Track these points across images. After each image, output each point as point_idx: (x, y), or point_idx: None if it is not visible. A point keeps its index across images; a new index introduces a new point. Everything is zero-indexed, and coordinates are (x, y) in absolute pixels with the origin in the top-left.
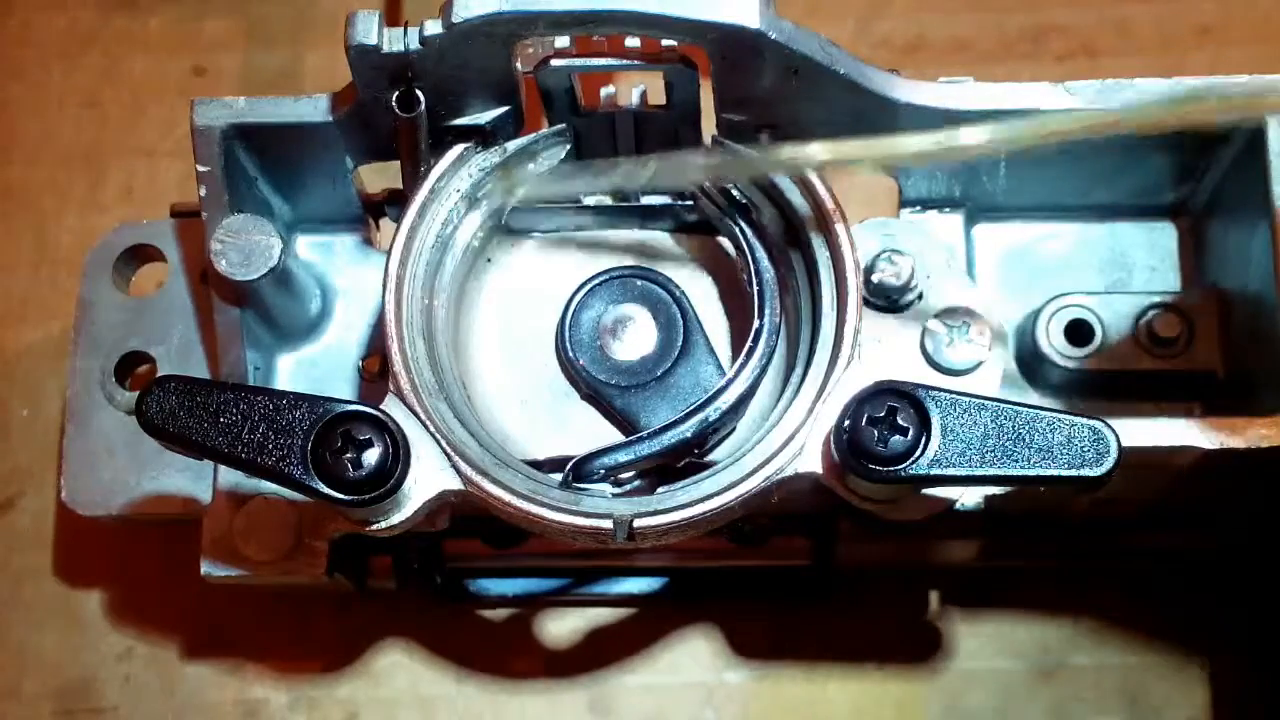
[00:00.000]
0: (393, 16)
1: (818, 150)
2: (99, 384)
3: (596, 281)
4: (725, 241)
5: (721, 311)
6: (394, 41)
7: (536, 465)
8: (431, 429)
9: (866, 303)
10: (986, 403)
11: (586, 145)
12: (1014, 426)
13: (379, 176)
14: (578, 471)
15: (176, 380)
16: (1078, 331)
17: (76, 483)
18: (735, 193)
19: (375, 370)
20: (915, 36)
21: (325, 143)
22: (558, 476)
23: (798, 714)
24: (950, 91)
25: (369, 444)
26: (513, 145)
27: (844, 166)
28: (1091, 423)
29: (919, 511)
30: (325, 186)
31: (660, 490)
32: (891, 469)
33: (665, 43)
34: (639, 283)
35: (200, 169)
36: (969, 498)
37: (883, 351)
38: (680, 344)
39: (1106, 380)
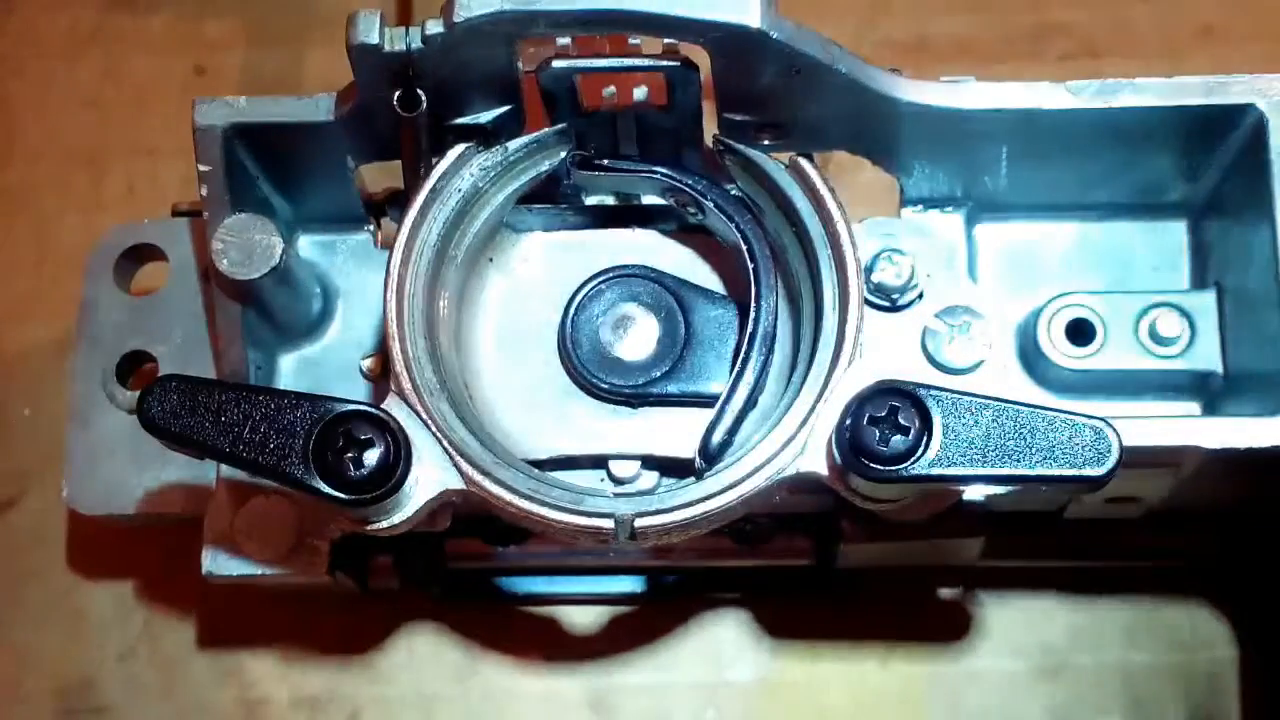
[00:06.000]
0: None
1: None
2: (101, 384)
3: (598, 281)
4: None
5: None
6: (395, 41)
7: (538, 465)
8: (433, 428)
9: (867, 302)
10: (988, 402)
11: (588, 145)
12: (1015, 426)
13: (381, 176)
14: (704, 454)
15: (178, 380)
16: (1079, 331)
17: (78, 482)
18: (736, 192)
19: (377, 370)
20: (917, 36)
21: (326, 142)
22: (559, 476)
23: (800, 713)
24: (952, 91)
25: (370, 443)
26: (514, 145)
27: None
28: (1093, 422)
29: (920, 511)
30: (327, 186)
31: (662, 489)
32: (893, 468)
33: (666, 42)
34: (640, 282)
35: (201, 168)
36: (970, 495)
37: (884, 351)
38: (683, 338)
39: (1108, 380)
